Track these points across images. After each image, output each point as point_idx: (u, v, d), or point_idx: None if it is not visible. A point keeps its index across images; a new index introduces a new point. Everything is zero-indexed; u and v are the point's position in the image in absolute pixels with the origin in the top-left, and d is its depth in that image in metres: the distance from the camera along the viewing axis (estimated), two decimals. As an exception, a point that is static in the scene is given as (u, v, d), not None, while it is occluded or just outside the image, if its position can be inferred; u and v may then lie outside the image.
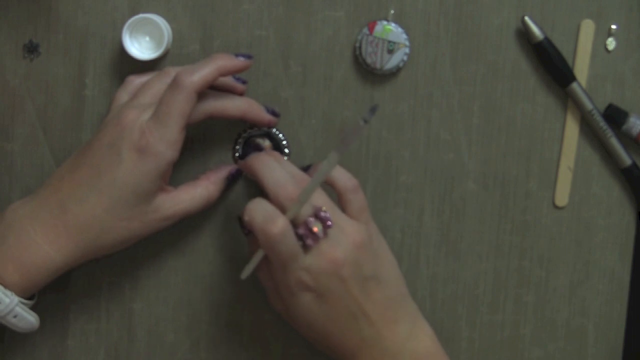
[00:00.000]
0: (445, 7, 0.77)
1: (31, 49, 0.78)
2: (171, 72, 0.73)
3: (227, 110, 0.73)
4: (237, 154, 0.78)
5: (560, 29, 0.77)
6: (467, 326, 0.79)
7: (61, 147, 0.78)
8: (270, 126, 0.77)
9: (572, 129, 0.78)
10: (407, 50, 0.76)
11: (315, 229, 0.68)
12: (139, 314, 0.79)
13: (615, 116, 0.77)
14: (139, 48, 0.76)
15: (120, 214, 0.70)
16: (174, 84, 0.69)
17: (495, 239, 0.79)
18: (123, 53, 0.76)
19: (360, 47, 0.76)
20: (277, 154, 0.76)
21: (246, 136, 0.77)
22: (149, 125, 0.69)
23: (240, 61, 0.72)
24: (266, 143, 0.77)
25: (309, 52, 0.77)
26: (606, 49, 0.78)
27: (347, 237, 0.69)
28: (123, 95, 0.74)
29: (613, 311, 0.80)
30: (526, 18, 0.76)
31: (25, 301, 0.70)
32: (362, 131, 0.68)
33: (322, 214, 0.68)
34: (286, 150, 0.77)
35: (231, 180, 0.76)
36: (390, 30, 0.76)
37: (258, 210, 0.68)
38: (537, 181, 0.79)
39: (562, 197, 0.79)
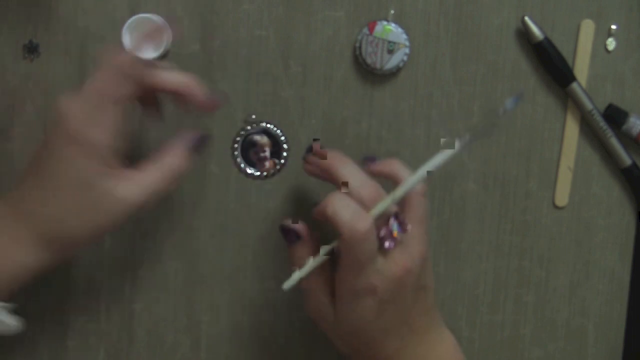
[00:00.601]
0: (445, 7, 0.77)
1: (31, 50, 0.78)
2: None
3: (161, 80, 0.68)
4: (235, 152, 0.78)
5: (560, 29, 0.77)
6: (467, 326, 0.79)
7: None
8: (206, 110, 0.70)
9: (572, 129, 0.78)
10: (407, 50, 0.76)
11: (395, 234, 0.66)
12: (139, 314, 0.79)
13: (615, 116, 0.77)
14: (139, 48, 0.76)
15: (77, 209, 0.67)
16: (106, 64, 0.66)
17: (495, 239, 0.79)
18: (123, 53, 0.76)
19: (360, 47, 0.76)
20: (340, 154, 0.71)
21: (244, 134, 0.77)
22: (77, 115, 0.65)
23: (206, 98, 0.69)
24: (264, 140, 0.78)
25: (309, 52, 0.77)
26: (606, 49, 0.78)
27: (416, 247, 0.68)
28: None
29: (613, 311, 0.80)
30: (526, 18, 0.76)
31: (3, 304, 0.68)
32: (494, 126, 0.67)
33: (402, 218, 0.67)
34: (285, 146, 0.77)
35: (198, 149, 0.71)
36: (390, 30, 0.76)
37: (345, 207, 0.65)
38: (537, 181, 0.79)
39: (562, 197, 0.79)
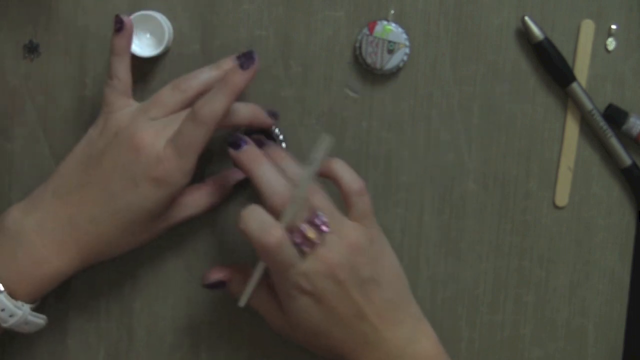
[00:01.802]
0: (445, 7, 0.77)
1: (31, 49, 0.78)
2: (182, 85, 0.72)
3: (236, 121, 0.73)
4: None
5: (560, 29, 0.77)
6: (467, 326, 0.79)
7: (61, 147, 0.78)
8: (270, 127, 0.77)
9: (572, 129, 0.78)
10: (407, 50, 0.76)
11: (311, 236, 0.67)
12: (139, 313, 0.79)
13: (615, 116, 0.77)
14: (140, 45, 0.76)
15: (132, 232, 0.71)
16: (195, 117, 0.69)
17: (495, 239, 0.79)
18: (123, 53, 0.76)
19: (360, 47, 0.76)
20: (278, 149, 0.74)
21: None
22: (167, 154, 0.69)
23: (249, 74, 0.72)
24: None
25: (309, 52, 0.77)
26: (606, 49, 0.78)
27: (342, 240, 0.69)
28: (117, 94, 0.72)
29: (613, 311, 0.80)
30: (526, 18, 0.76)
31: (30, 305, 0.71)
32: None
33: (316, 219, 0.68)
34: (283, 145, 0.77)
35: (238, 188, 0.77)
36: (391, 30, 0.76)
37: (253, 219, 0.67)
38: (537, 181, 0.79)
39: (562, 197, 0.79)
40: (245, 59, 0.71)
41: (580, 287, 0.80)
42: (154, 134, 0.69)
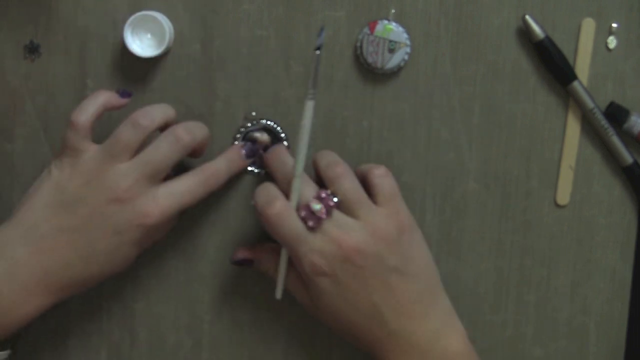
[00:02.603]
0: (446, 7, 0.77)
1: (32, 50, 0.78)
2: (141, 121, 0.71)
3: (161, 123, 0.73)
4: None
5: (560, 27, 0.77)
6: (469, 325, 0.79)
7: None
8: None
9: (573, 127, 0.78)
10: (408, 49, 0.76)
11: (316, 208, 0.68)
12: (140, 313, 0.79)
13: (616, 114, 0.77)
14: (141, 45, 0.76)
15: (103, 275, 0.71)
16: (205, 182, 0.71)
17: (496, 238, 0.79)
18: (124, 53, 0.76)
19: (361, 47, 0.76)
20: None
21: (244, 131, 0.77)
22: (152, 206, 0.69)
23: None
24: (264, 137, 0.78)
25: (310, 52, 0.77)
26: (607, 48, 0.78)
27: (367, 227, 0.69)
28: (79, 139, 0.71)
29: (614, 310, 0.80)
30: (527, 17, 0.76)
31: None
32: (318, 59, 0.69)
33: (324, 194, 0.69)
34: (285, 143, 0.77)
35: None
36: (391, 29, 0.76)
37: (261, 194, 0.69)
38: (538, 180, 0.79)
39: (563, 195, 0.79)
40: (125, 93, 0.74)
41: (581, 286, 0.79)
42: (134, 182, 0.69)
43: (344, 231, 0.69)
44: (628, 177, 0.78)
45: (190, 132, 0.71)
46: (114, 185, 0.69)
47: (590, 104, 0.77)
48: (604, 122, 0.77)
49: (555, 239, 0.79)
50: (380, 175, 0.71)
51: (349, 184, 0.70)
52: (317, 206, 0.68)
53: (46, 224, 0.69)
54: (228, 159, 0.74)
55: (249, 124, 0.78)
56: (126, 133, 0.70)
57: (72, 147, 0.70)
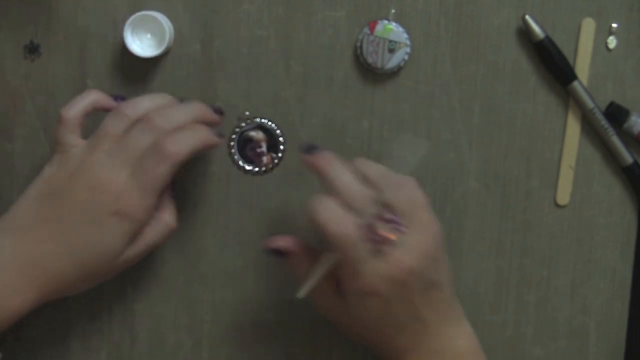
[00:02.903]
0: (446, 7, 0.77)
1: (32, 50, 0.78)
2: (126, 110, 0.71)
3: (182, 123, 0.72)
4: (232, 150, 0.78)
5: (560, 27, 0.77)
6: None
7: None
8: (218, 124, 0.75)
9: (573, 127, 0.78)
10: (408, 49, 0.76)
11: (391, 236, 0.66)
12: (141, 314, 0.79)
13: (616, 114, 0.77)
14: (141, 45, 0.76)
15: (89, 271, 0.70)
16: (160, 154, 0.68)
17: (496, 238, 0.79)
18: (124, 53, 0.76)
19: (361, 47, 0.76)
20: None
21: (239, 131, 0.77)
22: (129, 192, 0.68)
23: (215, 116, 0.73)
24: (259, 135, 0.78)
25: (310, 52, 0.77)
26: (607, 48, 0.78)
27: (418, 245, 0.68)
28: (67, 135, 0.71)
29: (614, 310, 0.80)
30: (527, 17, 0.76)
31: None
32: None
33: (388, 215, 0.67)
34: (281, 139, 0.77)
35: (174, 196, 0.75)
36: (391, 29, 0.76)
37: (328, 211, 0.66)
38: (538, 180, 0.79)
39: (563, 195, 0.79)
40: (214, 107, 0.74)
41: (581, 286, 0.80)
42: (110, 169, 0.69)
43: (402, 252, 0.67)
44: (628, 177, 0.78)
45: (162, 115, 0.70)
46: (92, 174, 0.69)
47: (590, 104, 0.77)
48: (604, 122, 0.77)
49: (555, 239, 0.79)
50: (413, 188, 0.69)
51: (403, 194, 0.68)
52: (391, 233, 0.66)
53: (30, 216, 0.70)
54: (192, 129, 0.71)
55: (243, 124, 0.78)
56: (109, 123, 0.70)
57: (60, 141, 0.71)
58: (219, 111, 0.74)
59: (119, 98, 0.73)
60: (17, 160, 0.78)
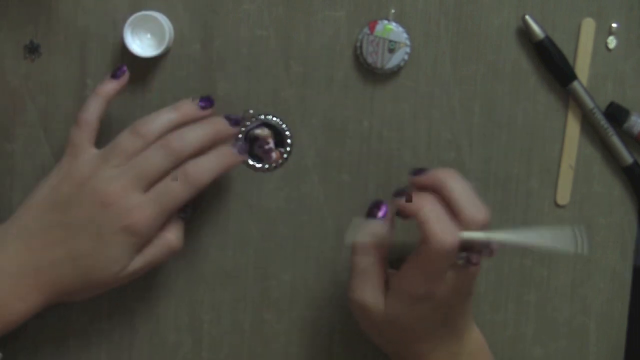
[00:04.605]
0: (446, 7, 0.77)
1: (32, 50, 0.78)
2: (141, 130, 0.71)
3: (199, 146, 0.72)
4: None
5: (560, 27, 0.77)
6: (469, 325, 0.79)
7: (62, 148, 0.77)
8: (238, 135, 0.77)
9: (573, 127, 0.78)
10: (407, 49, 0.76)
11: (476, 262, 0.68)
12: (141, 313, 0.79)
13: (616, 114, 0.77)
14: (141, 45, 0.76)
15: (93, 281, 0.71)
16: (185, 179, 0.70)
17: (496, 238, 0.79)
18: (124, 53, 0.76)
19: (361, 47, 0.76)
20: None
21: (245, 130, 0.77)
22: (142, 210, 0.69)
23: (232, 129, 0.73)
24: (265, 132, 0.78)
25: (310, 52, 0.77)
26: (607, 48, 0.78)
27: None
28: (82, 138, 0.72)
29: (614, 310, 0.80)
30: (527, 17, 0.76)
31: None
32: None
33: (490, 250, 0.68)
34: (287, 134, 0.78)
35: (185, 216, 0.75)
36: (391, 29, 0.76)
37: (438, 216, 0.66)
38: (538, 180, 0.79)
39: (563, 195, 0.79)
40: (208, 102, 0.73)
41: (581, 286, 0.79)
42: (121, 187, 0.69)
43: (468, 272, 0.69)
44: (628, 177, 0.78)
45: (185, 144, 0.70)
46: (102, 189, 0.69)
47: (590, 104, 0.77)
48: (604, 122, 0.77)
49: (555, 239, 0.79)
50: (480, 225, 0.69)
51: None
52: (474, 261, 0.68)
53: (37, 222, 0.70)
54: (215, 153, 0.72)
55: (248, 122, 0.78)
56: (124, 140, 0.70)
57: (74, 144, 0.71)
58: (236, 122, 0.74)
59: (120, 72, 0.74)
60: (17, 160, 0.78)
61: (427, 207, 0.66)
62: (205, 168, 0.70)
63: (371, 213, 0.70)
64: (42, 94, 0.78)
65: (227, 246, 0.79)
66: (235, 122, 0.73)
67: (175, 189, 0.70)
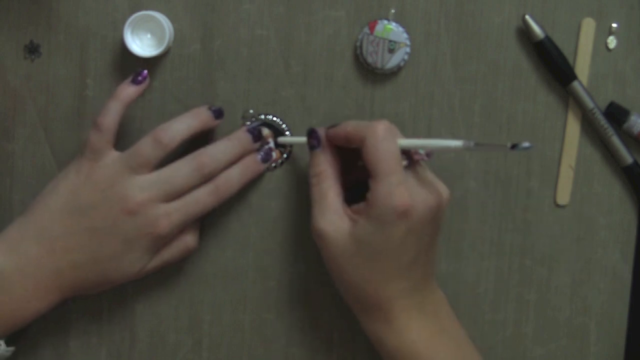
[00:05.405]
0: (446, 7, 0.77)
1: (32, 50, 0.78)
2: (163, 139, 0.72)
3: (184, 137, 0.73)
4: None
5: (560, 27, 0.77)
6: (469, 325, 0.79)
7: (62, 148, 0.78)
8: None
9: (573, 127, 0.78)
10: (407, 49, 0.76)
11: (418, 157, 0.70)
12: (141, 314, 0.79)
13: (616, 114, 0.77)
14: (140, 45, 0.76)
15: (110, 279, 0.73)
16: (214, 190, 0.73)
17: (496, 238, 0.79)
18: (124, 53, 0.76)
19: (361, 47, 0.76)
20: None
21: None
22: (169, 217, 0.71)
23: (256, 146, 0.77)
24: (266, 132, 0.77)
25: (310, 51, 0.77)
26: (607, 48, 0.78)
27: (445, 193, 0.71)
28: (102, 142, 0.72)
29: (615, 309, 0.80)
30: (527, 17, 0.76)
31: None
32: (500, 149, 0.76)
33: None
34: (287, 133, 0.78)
35: (201, 220, 0.77)
36: (391, 29, 0.76)
37: (361, 122, 0.70)
38: (538, 180, 0.79)
39: (563, 195, 0.79)
40: (220, 114, 0.76)
41: (581, 286, 0.79)
42: (149, 198, 0.71)
43: (435, 190, 0.70)
44: (628, 176, 0.78)
45: (215, 160, 0.73)
46: (128, 197, 0.70)
47: (590, 104, 0.77)
48: (604, 122, 0.77)
49: (556, 239, 0.79)
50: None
51: None
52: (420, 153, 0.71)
53: (59, 226, 0.71)
54: (242, 166, 0.75)
55: (248, 122, 0.78)
56: (146, 148, 0.71)
57: (94, 149, 0.72)
58: (258, 138, 0.76)
59: (139, 78, 0.74)
60: (18, 160, 0.78)
61: (348, 122, 0.71)
62: (234, 181, 0.74)
63: (310, 144, 0.73)
64: (42, 94, 0.78)
65: (227, 246, 0.79)
66: (257, 138, 0.76)
67: (204, 200, 0.72)
